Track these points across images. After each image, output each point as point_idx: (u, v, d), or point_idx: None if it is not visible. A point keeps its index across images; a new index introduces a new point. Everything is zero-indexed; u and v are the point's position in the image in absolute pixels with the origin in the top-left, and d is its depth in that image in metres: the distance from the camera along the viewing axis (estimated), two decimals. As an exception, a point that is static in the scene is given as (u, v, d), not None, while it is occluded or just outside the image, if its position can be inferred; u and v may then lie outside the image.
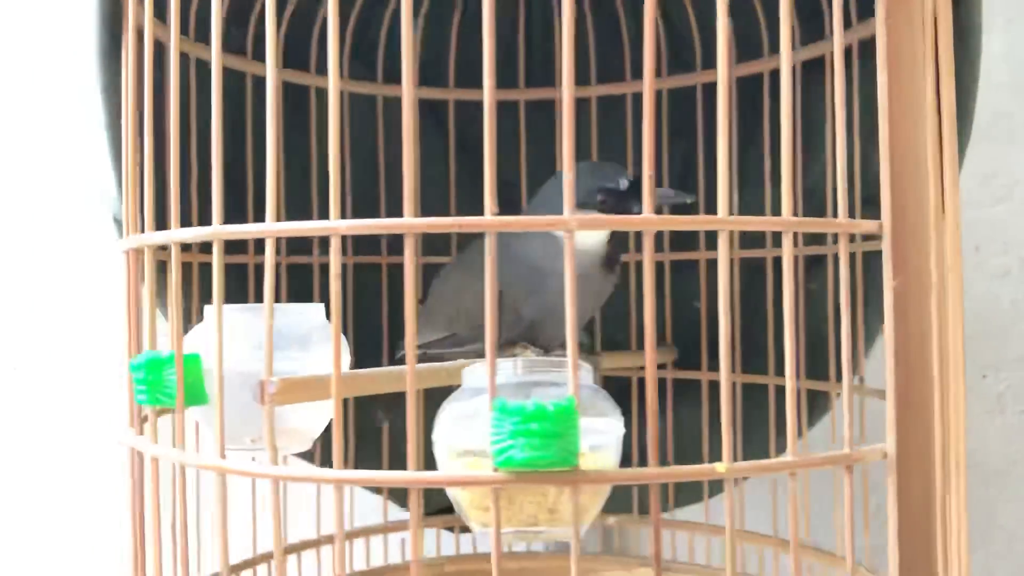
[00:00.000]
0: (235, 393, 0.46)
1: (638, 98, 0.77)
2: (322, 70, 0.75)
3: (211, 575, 0.57)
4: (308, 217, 0.72)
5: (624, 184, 0.62)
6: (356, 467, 0.74)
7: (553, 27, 0.81)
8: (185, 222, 0.44)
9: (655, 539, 0.38)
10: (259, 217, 0.41)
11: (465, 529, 0.69)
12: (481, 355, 0.49)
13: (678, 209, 0.63)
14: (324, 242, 0.75)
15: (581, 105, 0.80)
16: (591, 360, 0.69)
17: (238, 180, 0.69)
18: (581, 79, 0.80)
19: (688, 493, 0.78)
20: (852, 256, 0.65)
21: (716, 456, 0.39)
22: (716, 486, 0.76)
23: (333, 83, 0.38)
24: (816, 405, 0.71)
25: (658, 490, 0.38)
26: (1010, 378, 0.91)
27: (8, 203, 0.97)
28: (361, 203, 0.77)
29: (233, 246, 0.69)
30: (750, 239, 0.74)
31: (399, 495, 0.77)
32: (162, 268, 0.64)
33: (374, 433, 0.76)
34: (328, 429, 0.56)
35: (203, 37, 0.67)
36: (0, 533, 0.97)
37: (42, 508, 0.97)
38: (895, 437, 0.41)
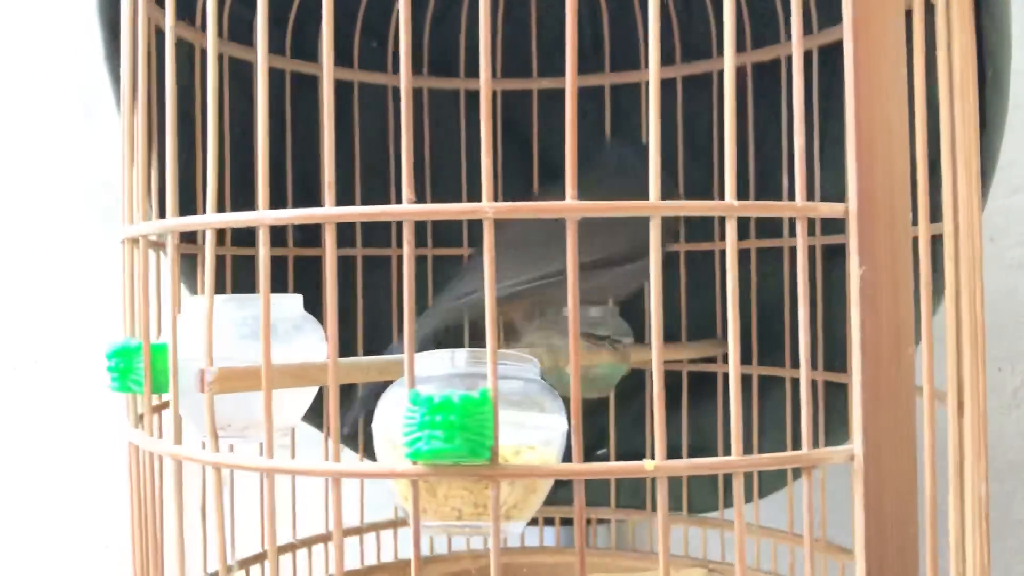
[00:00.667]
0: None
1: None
2: (364, 65, 0.79)
3: (210, 573, 0.57)
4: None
5: None
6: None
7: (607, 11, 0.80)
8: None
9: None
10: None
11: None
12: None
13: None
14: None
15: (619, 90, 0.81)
16: (620, 350, 0.68)
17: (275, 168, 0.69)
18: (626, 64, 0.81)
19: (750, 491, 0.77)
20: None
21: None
22: (765, 486, 0.75)
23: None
24: (836, 398, 0.70)
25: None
26: (1027, 371, 0.90)
27: (8, 203, 0.97)
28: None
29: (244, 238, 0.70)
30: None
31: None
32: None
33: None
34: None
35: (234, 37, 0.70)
36: (1, 533, 0.97)
37: (42, 508, 0.97)
38: (863, 437, 0.39)
